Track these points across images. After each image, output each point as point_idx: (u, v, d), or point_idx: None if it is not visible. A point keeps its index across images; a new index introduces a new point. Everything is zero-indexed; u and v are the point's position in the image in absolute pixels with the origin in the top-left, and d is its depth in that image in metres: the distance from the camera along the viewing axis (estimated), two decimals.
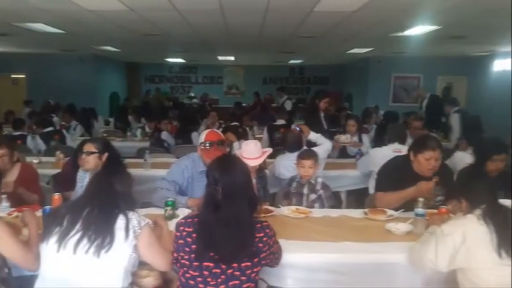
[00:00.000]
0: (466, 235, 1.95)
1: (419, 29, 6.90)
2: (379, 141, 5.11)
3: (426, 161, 2.91)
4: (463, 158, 4.17)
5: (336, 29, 7.00)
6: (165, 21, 6.49)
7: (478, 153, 3.42)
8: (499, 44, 9.15)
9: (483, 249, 1.91)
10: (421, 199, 2.65)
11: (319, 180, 3.34)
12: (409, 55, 11.32)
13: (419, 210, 2.59)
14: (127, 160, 4.50)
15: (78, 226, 1.91)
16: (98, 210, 1.95)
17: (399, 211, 2.87)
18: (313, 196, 3.28)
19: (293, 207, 3.08)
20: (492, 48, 9.80)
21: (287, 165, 3.97)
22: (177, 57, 13.86)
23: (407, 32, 7.20)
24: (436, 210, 2.72)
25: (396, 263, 2.31)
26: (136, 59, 15.07)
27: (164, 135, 6.32)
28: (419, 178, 2.95)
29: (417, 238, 2.32)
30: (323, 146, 4.23)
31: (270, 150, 3.51)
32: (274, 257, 1.98)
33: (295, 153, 3.59)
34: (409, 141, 4.17)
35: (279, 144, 5.59)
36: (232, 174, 1.91)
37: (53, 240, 1.90)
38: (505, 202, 2.65)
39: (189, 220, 1.91)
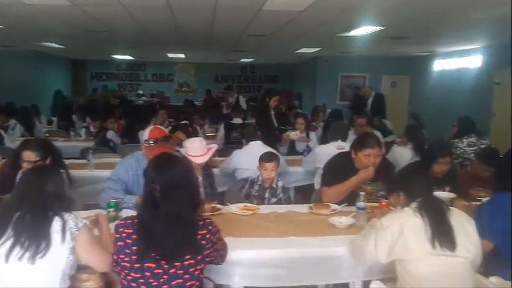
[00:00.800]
0: (403, 227, 2.04)
1: (364, 30, 7.14)
2: (324, 138, 5.26)
3: (366, 158, 3.03)
4: (403, 153, 4.38)
5: (284, 28, 7.09)
6: (110, 17, 6.30)
7: (424, 156, 3.60)
8: (438, 45, 9.65)
9: (418, 240, 2.00)
10: (362, 193, 2.75)
11: (280, 184, 3.39)
12: (355, 55, 11.68)
13: (361, 204, 2.69)
14: (70, 161, 4.35)
15: (8, 233, 1.82)
16: (30, 214, 1.85)
17: (342, 205, 2.96)
18: (273, 200, 3.33)
19: (241, 205, 3.09)
20: (432, 48, 10.31)
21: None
22: (124, 54, 13.48)
23: (353, 32, 7.43)
24: (377, 204, 2.84)
25: (339, 255, 2.38)
26: (82, 56, 14.51)
27: (110, 134, 6.13)
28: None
29: (359, 231, 2.40)
30: None
31: (215, 146, 3.52)
32: (218, 254, 1.97)
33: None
34: (354, 138, 4.31)
35: (235, 143, 5.61)
36: (170, 172, 1.88)
37: None
38: (440, 195, 2.83)
39: (128, 221, 1.87)
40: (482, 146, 4.59)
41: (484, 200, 2.77)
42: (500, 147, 4.13)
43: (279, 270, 2.35)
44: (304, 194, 4.49)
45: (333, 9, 5.61)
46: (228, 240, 2.18)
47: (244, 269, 2.33)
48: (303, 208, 3.08)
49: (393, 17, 6.02)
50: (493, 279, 2.09)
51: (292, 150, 5.51)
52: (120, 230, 1.85)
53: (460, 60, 10.46)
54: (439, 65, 11.50)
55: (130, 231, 1.82)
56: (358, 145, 3.12)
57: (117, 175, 3.10)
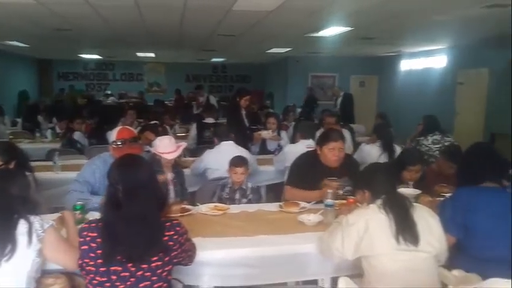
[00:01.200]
0: (368, 224, 2.08)
1: (333, 30, 7.25)
2: (294, 138, 5.32)
3: (330, 152, 3.13)
4: (371, 151, 4.47)
5: (254, 28, 7.12)
6: (78, 16, 6.16)
7: (395, 162, 3.69)
8: (405, 45, 9.91)
9: (383, 236, 2.04)
10: (330, 190, 2.80)
11: (249, 185, 3.45)
12: (325, 55, 11.85)
13: (329, 201, 2.73)
14: (36, 163, 4.23)
15: None
16: None
17: (311, 203, 3.00)
18: (244, 200, 3.36)
19: (212, 205, 3.08)
20: (399, 49, 10.58)
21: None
22: (92, 54, 13.20)
23: (322, 33, 7.53)
24: (345, 201, 2.89)
25: (308, 252, 2.41)
26: (48, 55, 14.12)
27: (77, 135, 5.98)
28: (326, 169, 3.16)
29: (327, 228, 2.43)
30: None
31: (184, 144, 3.54)
32: (187, 255, 1.96)
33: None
34: None
35: (208, 142, 5.59)
36: (133, 173, 1.87)
37: None
38: (406, 191, 2.91)
39: (92, 225, 1.83)
40: (446, 144, 4.74)
41: (447, 195, 2.86)
42: (463, 145, 4.26)
43: (249, 269, 2.36)
44: (276, 192, 4.52)
45: (301, 10, 5.67)
46: (197, 240, 2.17)
47: (214, 269, 2.33)
48: (273, 207, 3.10)
49: (361, 18, 6.15)
50: (456, 272, 2.16)
51: (263, 149, 5.56)
52: (84, 233, 1.81)
53: (426, 60, 10.78)
54: (406, 65, 11.81)
55: (95, 234, 1.79)
56: (322, 140, 3.21)
57: (83, 177, 3.03)
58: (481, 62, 8.68)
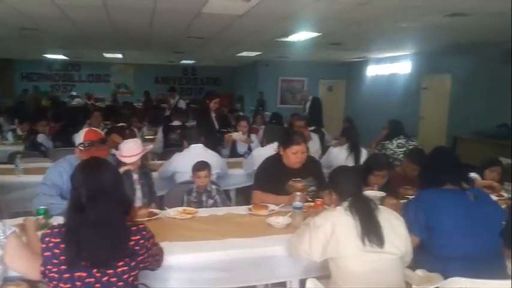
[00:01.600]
0: (335, 226, 2.10)
1: (302, 35, 7.34)
2: (264, 141, 5.35)
3: (294, 155, 3.18)
4: (339, 154, 4.55)
5: (224, 31, 7.12)
6: (43, 16, 5.98)
7: (362, 167, 3.76)
8: (371, 51, 10.15)
9: (349, 238, 2.07)
10: (298, 193, 2.83)
11: (214, 187, 3.49)
12: (295, 59, 11.99)
13: (297, 203, 2.76)
14: None
15: None
16: None
17: (280, 205, 3.03)
18: (210, 202, 3.39)
19: (180, 209, 3.05)
20: (366, 54, 10.82)
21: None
22: (57, 54, 12.82)
23: (291, 38, 7.62)
24: (313, 203, 2.93)
25: (277, 255, 2.43)
26: (10, 55, 13.61)
27: (40, 137, 5.79)
28: (290, 171, 3.22)
29: (295, 230, 2.45)
30: None
31: (150, 146, 3.56)
32: (154, 260, 1.94)
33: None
34: None
35: (175, 145, 5.53)
36: (97, 176, 1.83)
37: None
38: (371, 194, 2.98)
39: (55, 230, 1.78)
40: (410, 147, 4.88)
41: (411, 197, 2.94)
42: (427, 148, 4.39)
43: (218, 272, 2.35)
44: (245, 195, 4.52)
45: (271, 16, 5.72)
46: (165, 244, 2.15)
47: (183, 273, 2.30)
48: (242, 210, 3.11)
49: (329, 24, 6.26)
50: (419, 271, 2.22)
51: (234, 152, 5.56)
52: (47, 239, 1.76)
53: (391, 66, 11.08)
54: (372, 70, 12.09)
55: (58, 240, 1.74)
56: (285, 143, 3.25)
57: (50, 180, 2.95)
58: (444, 68, 9.00)
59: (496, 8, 4.83)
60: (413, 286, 2.18)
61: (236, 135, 5.57)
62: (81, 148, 2.99)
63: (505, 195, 3.64)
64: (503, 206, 2.79)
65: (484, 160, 4.20)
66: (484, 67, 7.93)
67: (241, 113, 9.81)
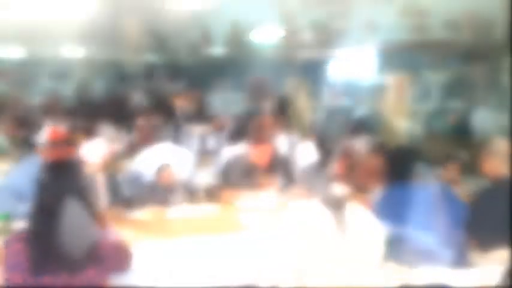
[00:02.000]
0: (307, 221, 2.13)
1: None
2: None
3: (260, 152, 3.27)
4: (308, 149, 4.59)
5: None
6: None
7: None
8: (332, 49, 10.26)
9: (321, 232, 2.10)
10: (269, 190, 2.87)
11: (180, 184, 3.40)
12: None
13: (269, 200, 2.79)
14: None
15: None
16: None
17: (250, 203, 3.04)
18: (178, 199, 3.29)
19: (148, 210, 3.00)
20: (327, 52, 10.91)
21: None
22: None
23: None
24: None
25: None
26: None
27: None
28: (258, 167, 3.28)
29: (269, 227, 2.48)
30: None
31: (115, 147, 3.62)
32: (124, 263, 1.89)
33: None
34: None
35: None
36: (65, 178, 1.78)
37: None
38: (340, 189, 3.03)
39: (19, 235, 1.71)
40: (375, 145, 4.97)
41: (380, 192, 3.02)
42: (391, 146, 4.51)
43: (189, 270, 2.34)
44: (215, 194, 4.50)
45: None
46: (135, 246, 2.11)
47: (153, 274, 2.27)
48: (211, 208, 3.10)
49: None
50: (389, 264, 2.28)
51: (204, 149, 5.50)
52: (10, 245, 1.69)
53: (353, 65, 11.23)
54: (334, 69, 12.21)
55: (23, 245, 1.67)
56: (251, 139, 3.33)
57: (7, 182, 2.83)
58: (408, 67, 9.22)
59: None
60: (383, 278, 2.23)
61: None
62: (44, 148, 2.87)
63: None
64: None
65: (441, 157, 4.32)
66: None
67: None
